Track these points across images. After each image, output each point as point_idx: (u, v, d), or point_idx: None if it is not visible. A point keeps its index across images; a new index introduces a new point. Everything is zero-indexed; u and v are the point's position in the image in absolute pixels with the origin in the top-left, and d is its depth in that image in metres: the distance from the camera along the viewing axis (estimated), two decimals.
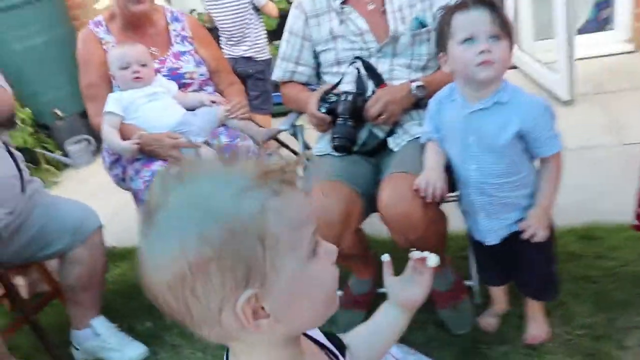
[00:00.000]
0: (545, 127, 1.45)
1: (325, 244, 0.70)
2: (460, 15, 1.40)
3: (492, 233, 1.60)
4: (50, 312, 2.51)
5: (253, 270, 0.61)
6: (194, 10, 4.05)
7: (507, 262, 1.71)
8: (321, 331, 0.89)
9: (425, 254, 0.97)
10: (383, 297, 1.97)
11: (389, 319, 0.98)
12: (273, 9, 3.35)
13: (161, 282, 0.62)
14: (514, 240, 1.59)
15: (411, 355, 1.77)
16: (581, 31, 3.91)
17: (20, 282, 2.64)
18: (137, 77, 2.09)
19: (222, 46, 3.33)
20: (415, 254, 0.98)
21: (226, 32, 3.34)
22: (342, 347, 0.93)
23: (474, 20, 1.39)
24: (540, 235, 1.53)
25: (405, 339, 1.85)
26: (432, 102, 1.60)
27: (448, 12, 1.44)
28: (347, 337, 0.97)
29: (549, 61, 3.58)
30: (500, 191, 1.52)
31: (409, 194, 1.53)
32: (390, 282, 0.98)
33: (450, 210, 1.73)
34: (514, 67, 3.93)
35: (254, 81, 3.31)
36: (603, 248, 2.08)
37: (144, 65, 2.11)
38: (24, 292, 2.64)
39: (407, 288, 0.97)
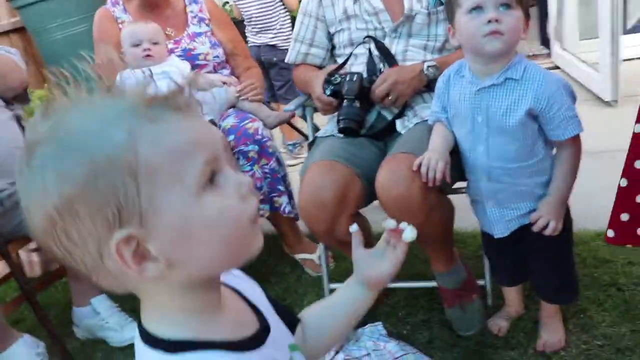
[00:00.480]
0: (562, 107, 1.31)
1: (231, 175, 0.60)
2: None
3: (501, 224, 1.46)
4: (63, 288, 2.51)
5: (126, 208, 0.54)
6: (227, 2, 4.02)
7: (520, 259, 1.57)
8: (274, 301, 0.80)
9: (403, 225, 0.86)
10: (388, 292, 1.93)
11: (349, 296, 0.88)
12: (294, 2, 3.28)
13: (36, 228, 0.56)
14: (526, 234, 1.46)
15: (411, 355, 1.66)
16: (632, 31, 3.68)
17: (34, 258, 2.67)
18: (148, 55, 2.05)
19: (247, 35, 3.29)
20: (389, 223, 0.86)
21: (252, 21, 3.30)
22: (294, 321, 0.84)
23: None
24: (552, 228, 1.39)
25: (407, 337, 1.75)
26: (440, 80, 1.48)
27: None
28: (303, 312, 0.88)
29: (594, 62, 3.37)
30: (511, 177, 1.39)
31: (408, 176, 1.41)
32: (359, 255, 0.87)
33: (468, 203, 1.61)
34: (556, 68, 3.74)
35: (278, 70, 3.26)
36: (636, 255, 1.90)
37: (155, 44, 2.07)
38: (38, 269, 2.67)
39: (375, 263, 0.86)
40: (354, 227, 0.87)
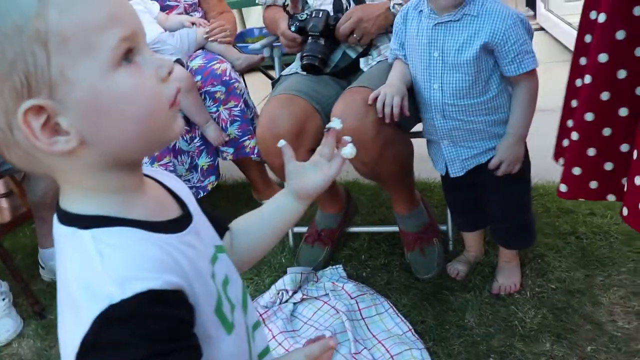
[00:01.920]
0: (517, 41, 1.28)
1: (152, 57, 0.58)
2: None
3: (456, 163, 1.45)
4: (31, 233, 2.50)
5: (34, 77, 0.52)
6: None
7: (479, 203, 1.57)
8: (203, 207, 0.78)
9: (346, 138, 0.83)
10: (352, 236, 1.93)
11: (278, 206, 0.85)
12: None
13: None
14: (482, 175, 1.45)
15: (368, 295, 1.67)
16: None
17: (3, 204, 2.65)
18: None
19: None
20: (335, 122, 0.84)
21: None
22: (223, 227, 0.83)
23: None
24: (511, 170, 1.39)
25: (366, 280, 1.76)
26: (398, 15, 1.45)
27: None
28: (233, 222, 0.87)
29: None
30: (465, 114, 1.37)
31: (362, 109, 1.39)
32: (291, 167, 0.84)
33: None
34: (541, 29, 3.70)
35: None
36: (599, 205, 1.90)
37: None
38: (7, 214, 2.65)
39: (307, 174, 0.84)
40: (282, 142, 0.85)
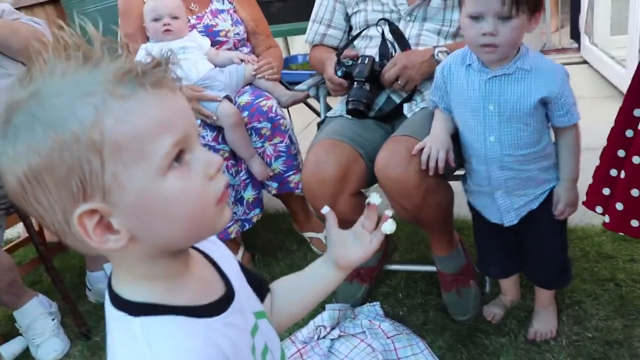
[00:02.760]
0: (569, 95, 1.35)
1: (201, 154, 0.62)
2: None
3: (511, 212, 1.48)
4: (76, 255, 2.61)
5: (89, 184, 0.56)
6: None
7: (512, 249, 1.59)
8: (246, 270, 0.83)
9: (388, 212, 0.87)
10: (390, 274, 1.97)
11: (318, 274, 0.89)
12: None
13: (10, 190, 0.59)
14: (529, 220, 1.49)
15: (404, 335, 1.70)
16: None
17: None
18: (167, 30, 2.10)
19: None
20: (374, 198, 0.88)
21: None
22: (264, 290, 0.88)
23: None
24: (571, 212, 1.46)
25: (402, 318, 1.79)
26: (438, 70, 1.48)
27: None
28: (274, 283, 0.91)
29: (622, 58, 3.31)
30: (522, 164, 1.41)
31: (406, 158, 1.44)
32: (333, 235, 0.88)
33: None
34: (584, 62, 3.69)
35: None
36: (638, 251, 1.90)
37: (175, 18, 2.11)
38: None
39: (347, 245, 0.87)
40: (326, 209, 0.89)
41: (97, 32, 0.59)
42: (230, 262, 0.79)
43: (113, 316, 0.64)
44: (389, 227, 0.85)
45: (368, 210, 0.88)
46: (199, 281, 0.70)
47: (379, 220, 0.88)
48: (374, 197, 0.88)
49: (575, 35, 4.10)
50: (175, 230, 0.61)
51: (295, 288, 0.90)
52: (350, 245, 0.87)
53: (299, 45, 4.39)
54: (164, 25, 2.08)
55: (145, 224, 0.59)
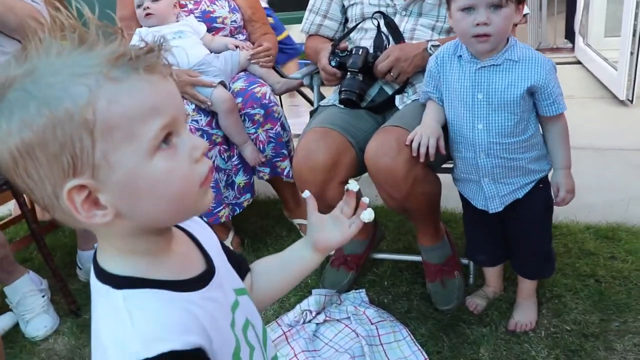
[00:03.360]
0: (555, 84, 1.40)
1: (187, 138, 0.64)
2: None
3: (496, 199, 1.52)
4: (70, 234, 2.63)
5: (79, 160, 0.58)
6: None
7: (501, 238, 1.63)
8: (227, 249, 0.86)
9: (364, 199, 0.91)
10: (376, 262, 2.00)
11: (297, 255, 0.92)
12: None
13: (2, 163, 0.61)
14: (515, 209, 1.53)
15: (388, 322, 1.74)
16: None
17: None
18: (148, 14, 2.10)
19: None
20: (352, 185, 0.91)
21: None
22: (244, 269, 0.90)
23: None
24: (570, 199, 1.51)
25: (387, 306, 1.83)
26: (431, 60, 1.52)
27: None
28: (254, 263, 0.94)
29: (615, 59, 3.35)
30: (509, 152, 1.45)
31: (395, 148, 1.47)
32: (313, 219, 0.91)
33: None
34: (577, 62, 3.72)
35: None
36: (620, 250, 1.95)
37: (156, 0, 2.11)
38: (48, 213, 2.78)
39: (326, 229, 0.90)
40: (306, 193, 0.92)
41: (93, 15, 0.62)
42: (211, 241, 0.81)
43: (97, 289, 0.67)
44: (367, 215, 0.89)
45: (347, 196, 0.92)
46: (181, 257, 0.72)
47: (357, 206, 0.92)
48: (352, 184, 0.91)
49: (569, 35, 4.14)
50: (160, 210, 0.64)
51: (275, 268, 0.93)
52: (329, 230, 0.90)
53: (295, 34, 4.39)
54: (144, 9, 2.09)
55: (131, 201, 0.62)
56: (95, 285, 0.67)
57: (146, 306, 0.63)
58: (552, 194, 1.52)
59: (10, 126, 0.58)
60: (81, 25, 0.61)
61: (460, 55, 1.44)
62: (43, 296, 2.06)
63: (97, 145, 0.58)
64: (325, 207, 0.96)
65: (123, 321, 0.61)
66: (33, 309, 2.02)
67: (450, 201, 2.03)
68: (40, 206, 0.63)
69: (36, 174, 0.59)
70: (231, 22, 2.30)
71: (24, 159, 0.58)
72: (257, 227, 2.39)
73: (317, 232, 0.90)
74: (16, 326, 2.03)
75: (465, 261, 1.88)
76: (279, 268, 0.93)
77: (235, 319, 0.75)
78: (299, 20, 3.88)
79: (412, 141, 1.47)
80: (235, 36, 2.33)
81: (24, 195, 2.06)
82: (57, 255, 2.43)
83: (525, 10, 1.43)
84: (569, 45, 4.11)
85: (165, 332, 0.61)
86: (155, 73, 0.61)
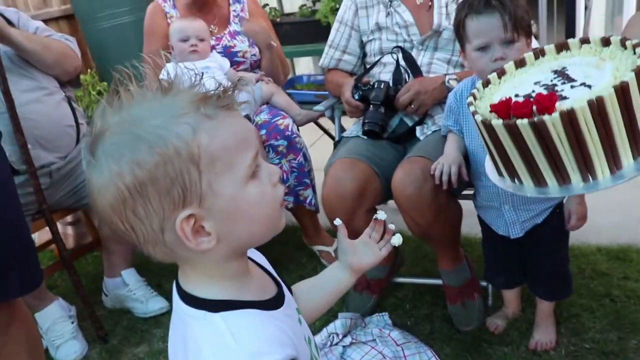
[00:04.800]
0: None
1: (266, 166, 0.72)
2: (472, 22, 1.43)
3: (517, 225, 1.59)
4: (93, 261, 2.70)
5: (189, 192, 0.65)
6: (266, 4, 4.20)
7: (518, 262, 1.70)
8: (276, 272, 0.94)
9: (391, 226, 1.02)
10: (397, 286, 2.07)
11: (334, 277, 1.03)
12: None
13: (105, 205, 0.66)
14: (534, 234, 1.60)
15: (413, 343, 1.80)
16: None
17: (69, 231, 2.85)
18: (194, 50, 2.22)
19: None
20: (381, 215, 1.02)
21: None
22: (289, 290, 0.98)
23: (486, 28, 1.41)
24: (582, 225, 1.58)
25: (410, 328, 1.89)
26: (451, 96, 1.62)
27: (460, 12, 1.46)
28: (296, 285, 1.03)
29: None
30: None
31: (420, 177, 1.56)
32: (344, 244, 1.02)
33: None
34: None
35: None
36: (632, 270, 2.02)
37: (201, 40, 2.24)
38: (72, 241, 2.85)
39: (358, 252, 1.01)
40: (338, 221, 1.03)
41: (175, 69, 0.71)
42: (268, 265, 0.90)
43: (190, 314, 0.73)
44: (397, 239, 1.01)
45: (375, 224, 1.03)
46: (258, 280, 0.81)
47: (384, 232, 1.04)
48: (381, 214, 1.04)
49: (570, 36, 4.22)
50: (253, 230, 0.72)
51: (315, 290, 1.03)
52: (361, 253, 1.01)
53: (303, 65, 4.53)
54: (192, 46, 2.20)
55: (231, 225, 0.69)
56: (186, 310, 0.73)
57: (245, 325, 0.70)
58: (565, 219, 1.59)
59: (120, 167, 0.63)
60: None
61: (478, 89, 1.53)
62: (72, 322, 2.13)
63: (203, 176, 0.65)
64: (353, 233, 1.06)
65: (226, 341, 0.68)
66: (63, 335, 2.08)
67: (466, 227, 2.10)
68: (137, 244, 0.69)
69: (143, 211, 0.65)
70: (251, 55, 2.41)
71: (134, 197, 0.64)
72: (278, 254, 2.45)
73: (351, 255, 1.00)
74: (46, 352, 2.08)
75: (483, 283, 1.95)
76: (319, 288, 1.03)
77: (305, 334, 0.82)
78: (305, 53, 4.01)
79: (435, 170, 1.56)
80: (255, 70, 2.44)
81: (56, 223, 2.13)
82: (82, 283, 2.49)
83: (534, 43, 1.52)
84: None
85: (267, 346, 0.68)
86: (234, 109, 0.70)
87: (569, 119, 0.78)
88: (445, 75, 1.83)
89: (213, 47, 2.34)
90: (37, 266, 1.53)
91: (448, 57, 1.91)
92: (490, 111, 0.97)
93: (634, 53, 0.90)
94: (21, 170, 1.97)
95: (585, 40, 0.89)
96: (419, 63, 1.91)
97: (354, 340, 1.85)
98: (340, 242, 1.02)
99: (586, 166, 0.88)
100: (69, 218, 2.76)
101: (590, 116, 0.78)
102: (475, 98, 1.03)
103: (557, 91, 0.90)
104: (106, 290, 2.35)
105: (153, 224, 0.66)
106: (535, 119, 0.77)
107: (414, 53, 1.93)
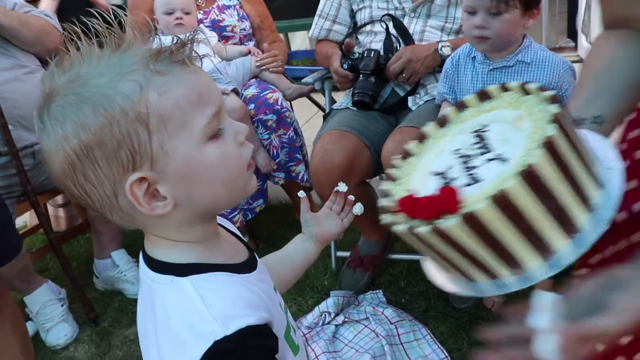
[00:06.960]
0: (570, 87, 1.41)
1: (230, 124, 0.67)
2: None
3: None
4: (85, 243, 2.66)
5: (138, 154, 0.60)
6: None
7: None
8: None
9: (351, 197, 0.99)
10: (391, 263, 2.02)
11: (301, 248, 0.98)
12: None
13: (56, 169, 0.62)
14: None
15: (407, 321, 1.75)
16: None
17: (60, 214, 2.81)
18: (179, 23, 2.14)
19: None
20: (341, 187, 0.99)
21: None
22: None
23: None
24: None
25: (405, 306, 1.84)
26: (448, 62, 1.55)
27: None
28: (264, 258, 0.98)
29: None
30: None
31: None
32: (308, 216, 0.99)
33: None
34: (581, 61, 3.74)
35: None
36: None
37: (187, 13, 2.16)
38: (64, 223, 2.81)
39: (323, 224, 0.98)
40: (302, 193, 1.01)
41: (126, 16, 0.64)
42: (238, 233, 0.85)
43: (157, 280, 0.68)
44: (358, 209, 0.99)
45: (335, 196, 1.00)
46: (228, 244, 0.76)
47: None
48: (342, 186, 1.01)
49: (572, 34, 4.16)
50: (215, 194, 0.66)
51: (283, 260, 0.98)
52: (324, 224, 0.98)
53: (299, 41, 4.44)
54: (177, 19, 2.12)
55: (189, 189, 0.64)
56: (153, 277, 0.69)
57: (215, 288, 0.66)
58: None
59: (65, 131, 0.59)
60: (112, 29, 0.63)
61: (474, 57, 1.47)
62: (62, 305, 2.09)
63: (153, 137, 0.60)
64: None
65: (195, 305, 0.63)
66: (53, 318, 2.04)
67: None
68: (95, 210, 0.65)
69: (94, 176, 0.61)
70: (240, 30, 2.33)
71: (82, 161, 0.60)
72: (271, 232, 2.40)
73: (316, 226, 0.98)
74: (36, 335, 2.05)
75: None
76: (286, 260, 0.98)
77: (280, 301, 0.77)
78: (300, 28, 3.93)
79: None
80: (245, 44, 2.36)
81: (41, 206, 2.09)
82: (73, 265, 2.44)
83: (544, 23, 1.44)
84: (572, 44, 4.13)
85: (238, 309, 0.63)
86: (192, 65, 0.64)
87: (472, 223, 0.60)
88: (439, 42, 1.75)
89: (200, 21, 2.27)
90: (15, 235, 1.53)
91: (441, 25, 1.83)
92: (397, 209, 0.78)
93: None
94: (2, 152, 1.91)
95: (506, 88, 0.75)
96: (411, 31, 1.83)
97: (346, 319, 1.81)
98: (303, 214, 0.99)
99: (510, 261, 0.65)
100: (59, 200, 2.71)
101: (496, 214, 0.60)
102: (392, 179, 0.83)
103: (470, 168, 0.69)
104: (97, 272, 2.31)
105: (105, 188, 0.62)
106: (436, 225, 0.60)
107: (406, 21, 1.85)
